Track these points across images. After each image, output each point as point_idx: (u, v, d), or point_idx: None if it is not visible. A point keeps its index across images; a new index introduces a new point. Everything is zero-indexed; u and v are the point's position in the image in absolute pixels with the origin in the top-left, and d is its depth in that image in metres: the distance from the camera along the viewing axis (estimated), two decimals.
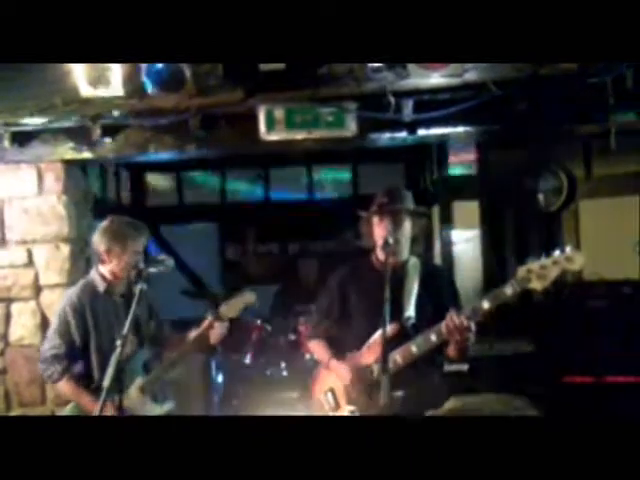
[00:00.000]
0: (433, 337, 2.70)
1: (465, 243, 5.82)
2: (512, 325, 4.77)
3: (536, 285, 2.52)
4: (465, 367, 4.32)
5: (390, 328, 2.63)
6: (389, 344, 2.58)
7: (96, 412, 2.51)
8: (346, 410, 2.86)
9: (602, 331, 4.61)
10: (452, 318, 2.62)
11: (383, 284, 2.61)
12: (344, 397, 2.88)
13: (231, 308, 3.17)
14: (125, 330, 2.62)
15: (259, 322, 4.94)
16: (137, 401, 2.96)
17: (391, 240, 2.82)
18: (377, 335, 2.67)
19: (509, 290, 2.58)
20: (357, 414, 2.82)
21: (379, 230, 2.89)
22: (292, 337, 4.96)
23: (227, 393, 4.88)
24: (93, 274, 3.23)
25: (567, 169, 5.77)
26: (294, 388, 4.84)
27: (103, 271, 3.19)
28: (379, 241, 2.88)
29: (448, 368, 3.16)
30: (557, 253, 2.53)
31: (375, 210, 2.92)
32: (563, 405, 4.50)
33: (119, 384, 2.63)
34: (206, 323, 3.16)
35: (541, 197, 5.84)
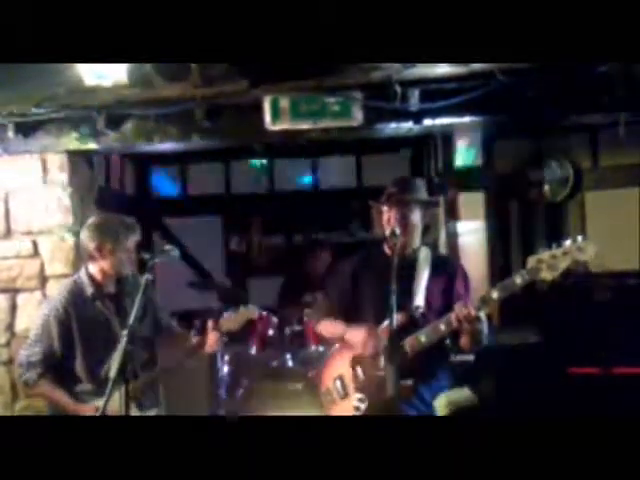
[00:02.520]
0: (442, 327, 2.69)
1: (470, 234, 5.80)
2: (517, 316, 4.76)
3: (546, 275, 2.50)
4: (471, 358, 4.31)
5: (398, 317, 2.63)
6: (397, 334, 2.58)
7: (101, 405, 2.49)
8: (355, 398, 2.85)
9: (608, 322, 4.60)
10: (461, 308, 2.62)
11: (396, 272, 2.60)
12: (353, 384, 2.87)
13: (232, 321, 3.14)
14: (131, 320, 2.60)
15: (264, 313, 4.94)
16: (120, 407, 2.67)
17: (398, 231, 2.81)
18: (385, 324, 2.66)
19: (519, 280, 2.55)
20: (365, 402, 2.81)
21: (387, 220, 2.88)
22: (298, 328, 4.96)
23: (232, 384, 4.88)
24: (81, 275, 3.13)
25: (573, 160, 5.75)
26: (299, 379, 4.84)
27: (92, 271, 3.10)
28: (386, 231, 2.87)
29: (454, 359, 3.15)
30: (568, 243, 2.50)
31: (384, 200, 2.91)
32: (569, 396, 4.51)
33: (124, 375, 2.60)
34: (203, 336, 3.13)
35: (547, 188, 5.82)
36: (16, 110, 4.12)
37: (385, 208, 2.90)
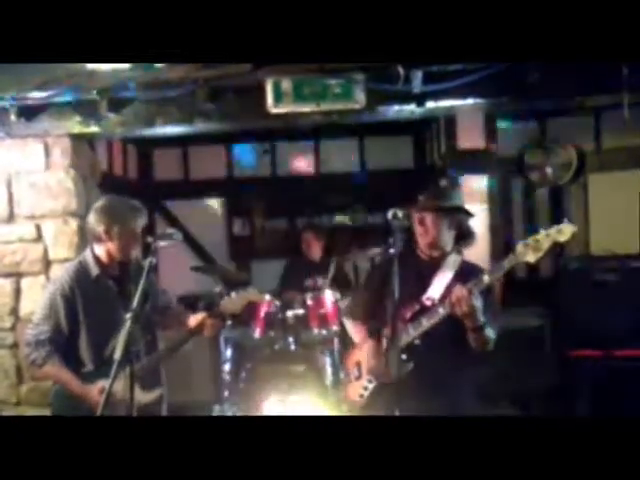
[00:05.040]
0: (441, 309, 2.81)
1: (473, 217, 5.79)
2: (521, 298, 4.76)
3: (530, 257, 2.65)
4: None
5: (409, 308, 2.87)
6: (410, 321, 2.85)
7: (106, 387, 2.50)
8: (365, 379, 3.05)
9: (611, 305, 4.61)
10: (457, 289, 2.72)
11: (420, 271, 2.90)
12: (366, 367, 3.07)
13: (233, 303, 3.15)
14: (135, 303, 2.60)
15: (268, 297, 4.95)
16: (124, 388, 2.73)
17: (400, 214, 2.82)
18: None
19: (506, 264, 2.71)
20: (373, 383, 3.01)
21: (417, 223, 2.96)
22: (300, 311, 4.98)
23: (236, 367, 4.91)
24: (87, 256, 3.13)
25: (576, 142, 5.73)
26: (302, 362, 4.87)
27: (99, 252, 3.10)
28: (389, 213, 2.88)
29: None
30: (553, 228, 2.65)
31: (414, 206, 2.99)
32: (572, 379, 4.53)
33: (129, 357, 2.62)
34: (203, 317, 3.14)
35: (550, 170, 5.80)
36: (18, 93, 4.11)
37: (416, 213, 2.98)
